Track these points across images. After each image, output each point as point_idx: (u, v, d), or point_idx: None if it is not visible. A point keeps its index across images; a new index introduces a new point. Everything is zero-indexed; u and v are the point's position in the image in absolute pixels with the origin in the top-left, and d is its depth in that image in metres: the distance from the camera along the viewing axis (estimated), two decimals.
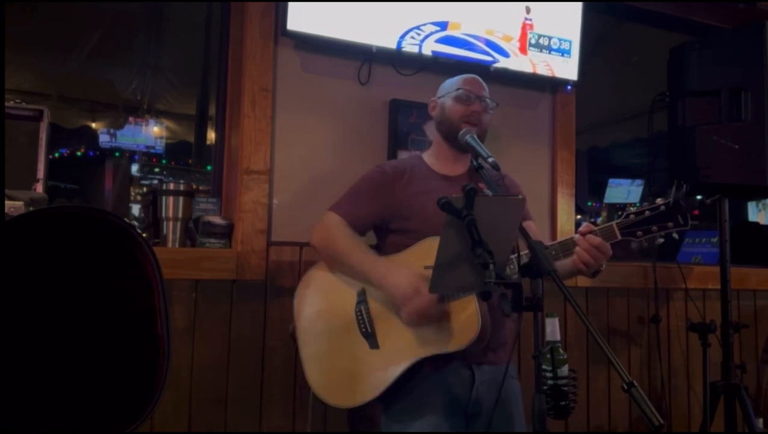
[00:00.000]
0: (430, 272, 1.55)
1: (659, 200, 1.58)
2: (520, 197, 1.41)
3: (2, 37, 1.58)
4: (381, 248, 1.90)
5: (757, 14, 3.22)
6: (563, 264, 1.66)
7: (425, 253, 1.64)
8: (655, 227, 1.55)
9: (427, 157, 1.96)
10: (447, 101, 1.89)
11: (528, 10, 2.60)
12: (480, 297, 1.63)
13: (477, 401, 1.75)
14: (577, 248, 1.62)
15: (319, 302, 1.85)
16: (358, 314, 1.75)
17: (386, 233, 1.88)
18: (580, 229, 1.64)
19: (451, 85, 1.92)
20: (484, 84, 1.93)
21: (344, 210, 1.85)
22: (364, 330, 1.74)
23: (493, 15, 2.53)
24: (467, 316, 1.67)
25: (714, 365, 2.64)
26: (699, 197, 2.66)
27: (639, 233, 1.58)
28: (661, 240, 1.57)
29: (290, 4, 2.20)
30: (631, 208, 1.60)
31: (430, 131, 2.08)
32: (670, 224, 1.55)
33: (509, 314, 1.26)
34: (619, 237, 1.60)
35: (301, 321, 1.84)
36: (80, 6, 3.86)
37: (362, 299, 1.76)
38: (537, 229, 2.04)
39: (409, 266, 1.69)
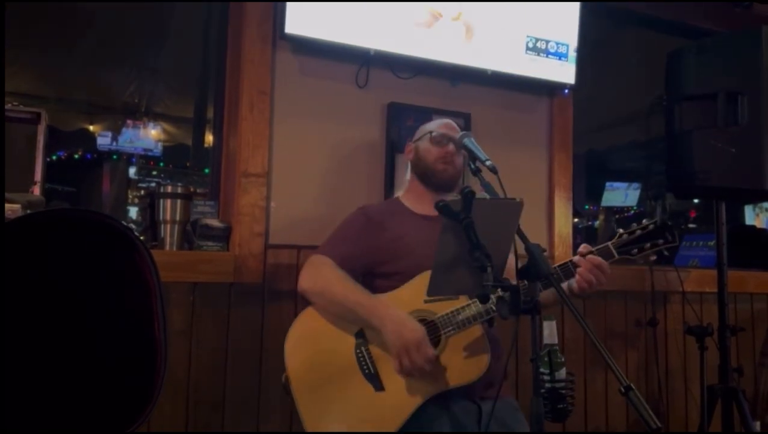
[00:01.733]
0: (432, 322, 1.59)
1: (645, 221, 1.71)
2: (518, 200, 1.41)
3: (2, 38, 1.58)
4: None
5: (754, 19, 3.23)
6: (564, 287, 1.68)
7: (423, 287, 1.65)
8: (647, 245, 1.68)
9: (405, 199, 2.00)
10: (422, 144, 1.96)
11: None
12: (478, 300, 1.63)
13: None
14: (580, 269, 1.66)
15: (314, 349, 1.77)
16: (359, 355, 1.71)
17: (373, 278, 1.86)
18: (579, 250, 1.70)
19: (426, 128, 1.99)
20: (457, 128, 1.99)
21: (333, 252, 1.82)
22: (367, 371, 1.70)
23: (491, 17, 2.54)
24: (475, 347, 1.68)
25: (711, 368, 2.64)
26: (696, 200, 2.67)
27: (634, 250, 1.69)
28: (654, 257, 1.71)
29: (288, 7, 2.20)
30: (621, 230, 1.73)
31: (405, 173, 2.09)
32: (661, 241, 1.68)
33: (507, 317, 1.26)
34: (617, 256, 1.70)
35: (296, 370, 1.75)
36: (79, 8, 3.86)
37: (362, 339, 1.73)
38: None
39: (409, 301, 1.69)
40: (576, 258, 1.68)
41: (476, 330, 1.70)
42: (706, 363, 2.64)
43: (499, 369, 1.79)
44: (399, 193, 2.08)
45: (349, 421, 1.68)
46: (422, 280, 1.68)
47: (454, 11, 2.46)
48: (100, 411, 1.25)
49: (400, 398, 1.66)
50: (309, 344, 1.78)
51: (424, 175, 1.95)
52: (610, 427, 2.82)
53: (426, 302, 1.50)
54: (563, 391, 1.72)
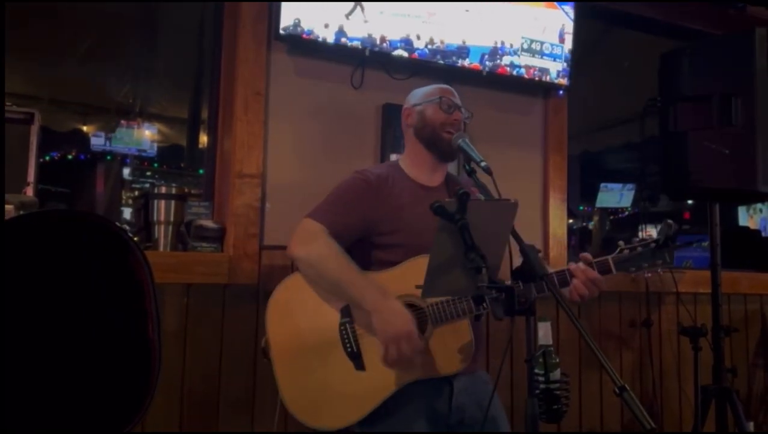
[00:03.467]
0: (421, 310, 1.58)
1: (648, 238, 1.70)
2: (513, 201, 1.41)
3: (2, 38, 1.57)
4: (365, 264, 1.79)
5: (748, 20, 3.25)
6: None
7: (416, 271, 1.62)
8: (645, 264, 1.67)
9: (404, 165, 1.91)
10: (427, 109, 1.86)
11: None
12: (473, 301, 1.63)
13: (458, 409, 1.73)
14: (576, 281, 1.65)
15: (298, 316, 1.74)
16: (343, 332, 1.68)
17: (370, 248, 1.80)
18: (581, 257, 1.68)
19: (428, 93, 1.90)
20: (456, 94, 1.93)
21: (326, 219, 1.74)
22: (349, 349, 1.67)
23: (486, 18, 2.54)
24: (460, 338, 1.67)
25: (705, 368, 2.65)
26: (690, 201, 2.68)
27: (632, 268, 1.68)
28: (649, 275, 1.71)
29: (283, 8, 2.20)
30: (622, 243, 1.71)
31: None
32: (659, 262, 1.67)
33: (501, 318, 1.26)
34: (614, 271, 1.69)
35: (277, 336, 1.72)
36: (73, 8, 3.84)
37: (347, 316, 1.69)
38: None
39: (400, 285, 1.67)
40: (573, 267, 1.67)
41: (463, 321, 1.68)
42: (700, 364, 2.65)
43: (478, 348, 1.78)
44: (395, 156, 2.00)
45: (326, 393, 1.67)
46: (416, 263, 1.67)
47: (452, 12, 2.47)
48: (94, 412, 1.24)
49: (380, 380, 1.65)
50: (292, 312, 1.75)
51: (430, 140, 1.85)
52: (604, 428, 2.82)
53: (418, 287, 1.48)
54: (558, 392, 1.73)
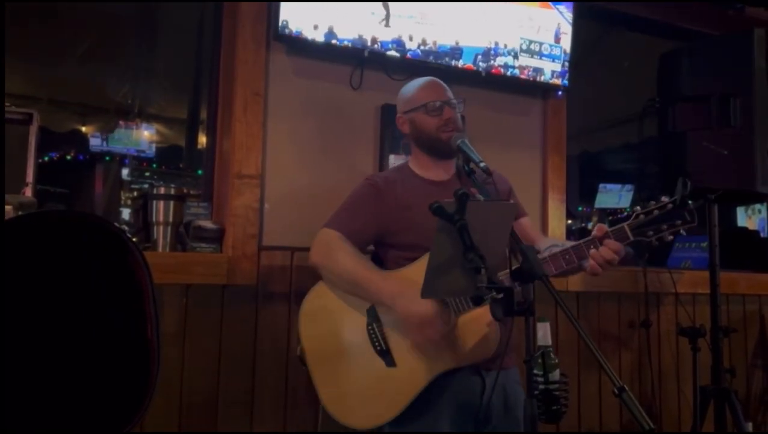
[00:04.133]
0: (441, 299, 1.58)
1: (664, 198, 1.58)
2: (511, 202, 1.41)
3: (2, 38, 1.57)
4: (383, 264, 1.86)
5: (746, 21, 3.25)
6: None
7: None
8: (665, 226, 1.55)
9: (413, 165, 1.95)
10: (417, 117, 1.87)
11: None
12: (472, 302, 1.64)
13: (488, 406, 1.75)
14: (591, 261, 1.61)
15: (328, 322, 1.80)
16: (371, 332, 1.73)
17: (387, 248, 1.86)
18: (595, 232, 1.61)
19: (414, 97, 1.88)
20: (443, 84, 1.90)
21: (342, 226, 1.80)
22: (378, 347, 1.71)
23: (484, 19, 2.54)
24: (484, 325, 1.68)
25: (704, 369, 2.65)
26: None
27: (650, 233, 1.57)
28: (671, 238, 1.56)
29: (282, 8, 2.20)
30: (638, 208, 1.59)
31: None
32: (679, 222, 1.56)
33: (500, 318, 1.27)
34: (631, 238, 1.59)
35: (310, 342, 1.79)
36: (72, 9, 3.84)
37: (373, 316, 1.74)
38: (531, 224, 2.03)
39: (417, 280, 1.67)
40: (590, 241, 1.61)
41: (485, 308, 1.69)
42: (698, 364, 2.65)
43: (503, 341, 1.78)
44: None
45: (361, 393, 1.72)
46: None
47: (444, 12, 2.47)
48: (93, 413, 1.24)
49: (411, 374, 1.69)
50: (322, 319, 1.80)
51: (429, 145, 1.87)
52: (603, 428, 2.82)
53: None
54: (557, 392, 1.73)
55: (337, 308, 1.79)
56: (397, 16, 2.40)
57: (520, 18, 2.62)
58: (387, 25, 2.36)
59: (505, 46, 2.59)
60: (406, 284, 1.67)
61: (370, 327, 1.73)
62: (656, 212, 1.56)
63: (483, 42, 2.54)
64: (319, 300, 1.81)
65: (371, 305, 1.74)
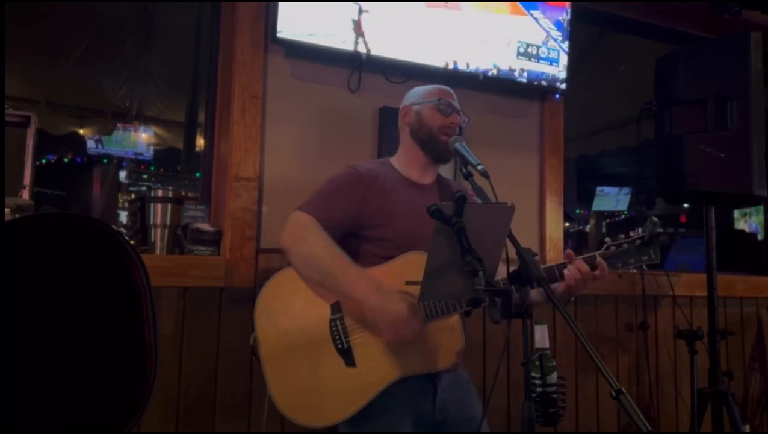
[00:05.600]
0: (415, 301, 1.58)
1: (633, 234, 1.75)
2: (510, 204, 1.41)
3: (2, 38, 1.57)
4: (354, 257, 1.75)
5: (742, 25, 3.26)
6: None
7: (407, 268, 1.63)
8: (632, 261, 1.73)
9: (397, 163, 1.92)
10: (425, 110, 1.87)
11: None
12: (470, 304, 1.63)
13: (442, 409, 1.73)
14: (566, 271, 1.66)
15: (287, 313, 1.72)
16: (333, 328, 1.66)
17: (359, 242, 1.79)
18: (565, 254, 1.70)
19: (427, 94, 1.90)
20: (455, 96, 1.93)
21: (317, 211, 1.72)
22: (339, 346, 1.66)
23: (482, 21, 2.55)
24: (450, 334, 1.67)
25: (701, 372, 2.66)
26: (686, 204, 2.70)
27: (618, 264, 1.72)
28: (635, 271, 1.79)
29: (280, 11, 2.20)
30: (608, 240, 1.76)
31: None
32: (645, 258, 1.73)
33: (498, 321, 1.26)
34: None
35: (265, 333, 1.70)
36: (69, 11, 3.84)
37: (337, 312, 1.68)
38: None
39: (391, 281, 1.65)
40: (561, 264, 1.69)
41: (453, 317, 1.68)
42: (696, 367, 2.65)
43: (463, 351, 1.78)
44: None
45: (316, 390, 1.66)
46: (407, 260, 1.67)
47: (449, 14, 2.48)
48: (91, 415, 1.24)
49: (369, 376, 1.64)
50: (282, 309, 1.73)
51: (426, 142, 1.85)
52: (601, 431, 2.82)
53: (408, 283, 1.46)
54: (554, 395, 1.73)
55: (299, 299, 1.71)
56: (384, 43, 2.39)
57: (522, 20, 2.62)
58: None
59: (507, 48, 2.59)
60: (382, 281, 1.64)
61: (333, 323, 1.67)
62: (626, 245, 1.73)
63: (485, 44, 2.55)
64: (281, 289, 1.73)
65: (336, 301, 1.68)
